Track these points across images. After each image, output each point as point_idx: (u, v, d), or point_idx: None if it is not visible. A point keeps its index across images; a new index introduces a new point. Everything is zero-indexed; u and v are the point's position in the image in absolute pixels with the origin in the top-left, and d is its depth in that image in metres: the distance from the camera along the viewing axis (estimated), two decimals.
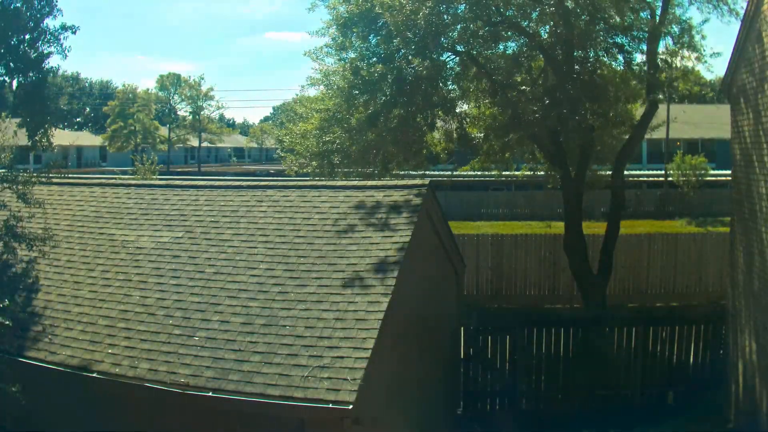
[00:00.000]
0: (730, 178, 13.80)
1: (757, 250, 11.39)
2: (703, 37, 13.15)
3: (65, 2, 9.35)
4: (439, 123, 15.55)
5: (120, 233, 10.24)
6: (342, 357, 7.24)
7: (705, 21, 13.57)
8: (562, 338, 13.72)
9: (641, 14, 13.52)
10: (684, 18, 13.52)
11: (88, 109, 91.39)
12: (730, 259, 13.21)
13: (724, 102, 17.17)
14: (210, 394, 7.06)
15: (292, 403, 6.83)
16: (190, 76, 71.97)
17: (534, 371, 13.79)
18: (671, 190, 37.02)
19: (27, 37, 9.13)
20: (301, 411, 6.83)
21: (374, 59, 13.36)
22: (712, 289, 19.28)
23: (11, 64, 9.16)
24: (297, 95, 46.16)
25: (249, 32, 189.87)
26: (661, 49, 13.81)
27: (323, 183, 12.06)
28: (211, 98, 70.66)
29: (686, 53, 13.32)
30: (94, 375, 7.57)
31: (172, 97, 71.14)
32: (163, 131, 68.91)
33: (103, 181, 12.75)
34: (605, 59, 14.43)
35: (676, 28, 13.29)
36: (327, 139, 14.90)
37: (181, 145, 73.76)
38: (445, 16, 12.93)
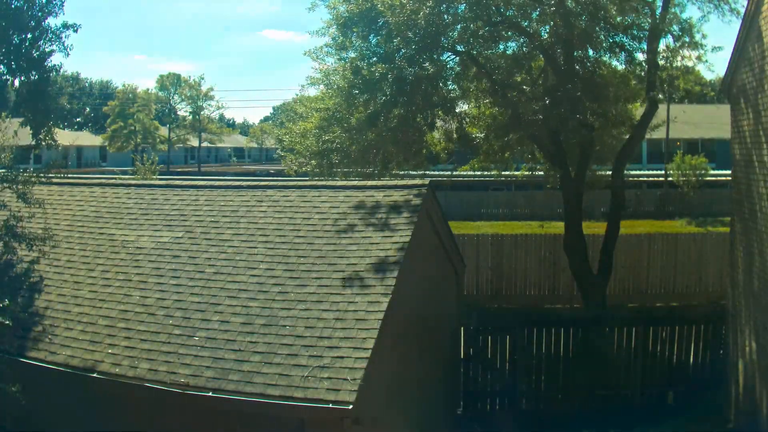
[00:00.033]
0: (730, 178, 13.80)
1: (757, 250, 11.39)
2: (704, 36, 13.15)
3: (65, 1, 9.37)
4: (439, 123, 15.55)
5: (120, 233, 10.25)
6: (342, 357, 7.24)
7: (703, 17, 13.44)
8: (562, 338, 13.72)
9: (642, 12, 13.50)
10: (684, 18, 13.53)
11: (88, 109, 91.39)
12: (730, 259, 13.21)
13: (724, 102, 17.17)
14: (210, 394, 7.07)
15: (292, 403, 6.83)
16: (189, 76, 72.20)
17: (534, 371, 13.79)
18: (671, 190, 37.02)
19: (29, 36, 9.13)
20: (301, 411, 6.83)
21: (374, 59, 13.36)
22: (712, 289, 19.27)
23: (13, 64, 9.16)
24: (297, 95, 46.14)
25: (246, 30, 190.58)
26: (661, 47, 13.82)
27: (323, 183, 12.07)
28: (211, 98, 70.80)
29: (687, 52, 13.32)
30: (94, 375, 7.57)
31: (172, 97, 71.18)
32: (163, 131, 68.92)
33: (103, 181, 12.75)
34: (606, 58, 14.44)
35: (676, 27, 13.29)
36: (327, 138, 14.90)
37: (181, 145, 73.78)
38: (446, 16, 12.93)
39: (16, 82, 9.56)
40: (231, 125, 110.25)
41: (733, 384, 12.60)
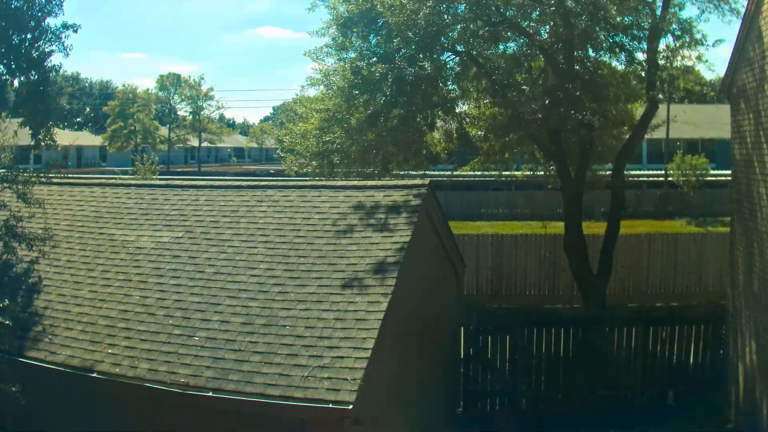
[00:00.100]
0: (730, 178, 13.80)
1: (757, 250, 11.39)
2: (704, 36, 13.14)
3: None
4: (439, 123, 15.55)
5: (120, 233, 10.25)
6: (342, 357, 7.24)
7: (702, 14, 13.42)
8: (562, 338, 13.72)
9: (642, 12, 13.50)
10: (684, 17, 13.52)
11: (88, 109, 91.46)
12: (730, 259, 13.21)
13: (724, 102, 17.18)
14: (210, 394, 7.07)
15: (292, 403, 6.83)
16: (189, 76, 72.20)
17: (534, 371, 13.79)
18: (671, 190, 37.02)
19: (29, 36, 9.14)
20: (301, 411, 6.83)
21: (374, 59, 13.36)
22: (712, 289, 19.27)
23: (13, 64, 9.17)
24: (297, 95, 46.22)
25: (242, 29, 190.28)
26: (661, 47, 13.82)
27: (323, 183, 12.07)
28: (211, 98, 70.79)
29: (687, 52, 13.31)
30: (94, 375, 7.57)
31: (172, 97, 71.19)
32: (163, 131, 68.93)
33: (103, 181, 12.75)
34: (606, 58, 14.44)
35: (676, 27, 13.29)
36: (327, 139, 14.91)
37: (181, 145, 73.79)
38: (446, 16, 12.93)
39: (16, 82, 9.58)
40: (231, 125, 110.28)
41: (733, 384, 12.60)
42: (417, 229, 9.39)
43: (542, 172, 19.11)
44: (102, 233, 10.36)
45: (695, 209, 34.39)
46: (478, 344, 13.78)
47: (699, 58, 13.33)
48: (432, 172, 28.93)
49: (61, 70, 9.77)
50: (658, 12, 13.47)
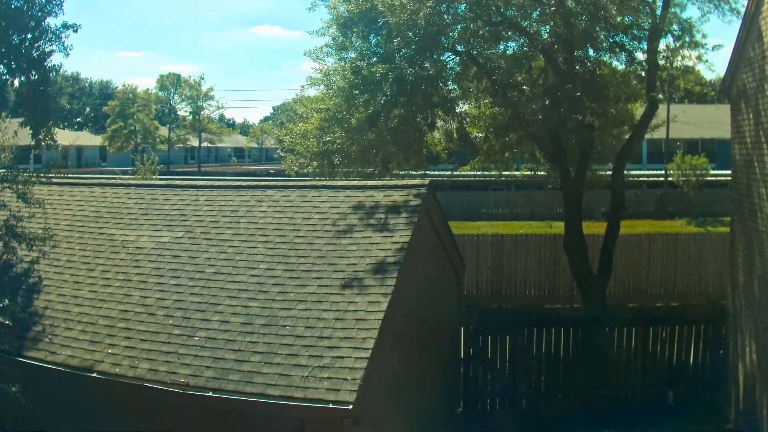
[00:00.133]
0: (730, 178, 13.80)
1: (757, 250, 11.39)
2: (704, 36, 13.15)
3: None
4: (439, 123, 15.55)
5: (120, 233, 10.25)
6: (342, 357, 7.24)
7: (703, 15, 13.44)
8: (562, 338, 13.71)
9: (642, 12, 13.50)
10: (684, 17, 13.52)
11: (88, 109, 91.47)
12: (730, 259, 13.21)
13: (724, 102, 17.17)
14: (210, 394, 7.07)
15: (292, 403, 6.83)
16: (189, 76, 72.20)
17: (534, 371, 13.79)
18: (671, 190, 37.02)
19: (29, 36, 9.14)
20: (301, 411, 6.83)
21: (374, 59, 13.36)
22: (712, 289, 19.28)
23: (13, 64, 9.17)
24: (297, 95, 46.21)
25: (241, 27, 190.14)
26: (661, 47, 13.83)
27: (323, 183, 12.06)
28: (211, 98, 70.79)
29: (687, 52, 13.31)
30: (94, 375, 7.57)
31: (172, 97, 71.20)
32: (163, 131, 68.93)
33: (103, 181, 12.75)
34: (606, 58, 14.44)
35: (676, 27, 13.30)
36: (327, 139, 14.90)
37: (181, 145, 73.79)
38: (446, 16, 12.93)
39: (16, 82, 9.59)
40: (231, 125, 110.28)
41: (733, 384, 12.60)
42: (417, 229, 9.39)
43: (542, 172, 19.12)
44: (102, 233, 10.36)
45: (695, 209, 34.39)
46: (478, 344, 13.77)
47: (699, 58, 13.34)
48: (432, 172, 28.89)
49: (61, 70, 9.78)
50: (658, 12, 13.48)
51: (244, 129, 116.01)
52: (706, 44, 13.02)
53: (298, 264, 8.87)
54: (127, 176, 23.21)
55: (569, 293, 18.72)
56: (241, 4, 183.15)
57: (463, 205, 34.34)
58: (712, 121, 48.40)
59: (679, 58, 13.56)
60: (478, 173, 23.29)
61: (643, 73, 14.52)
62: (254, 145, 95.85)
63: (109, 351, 7.84)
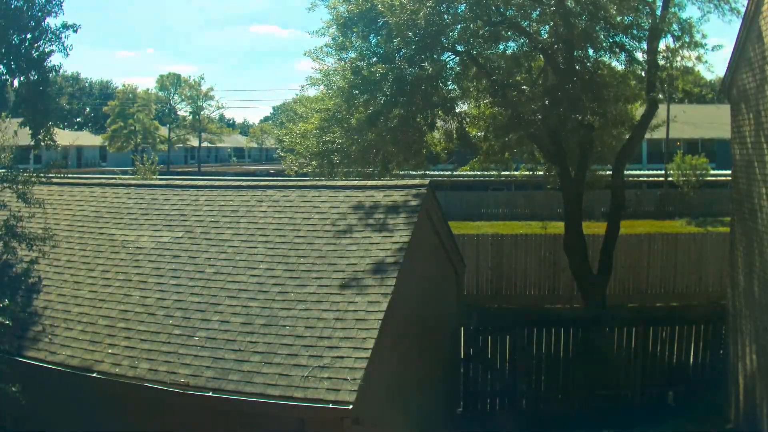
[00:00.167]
0: (730, 178, 13.80)
1: (757, 250, 11.39)
2: (704, 36, 13.14)
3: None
4: (439, 123, 15.55)
5: (120, 233, 10.25)
6: (342, 357, 7.24)
7: (703, 16, 13.45)
8: (562, 338, 13.72)
9: (642, 12, 13.50)
10: (684, 17, 13.52)
11: (88, 109, 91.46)
12: (730, 259, 13.21)
13: (724, 102, 17.18)
14: (210, 394, 7.06)
15: (292, 403, 6.83)
16: (189, 76, 72.22)
17: (534, 371, 13.79)
18: (671, 190, 37.02)
19: (28, 36, 9.14)
20: (301, 411, 6.83)
21: (374, 59, 13.37)
22: (712, 289, 19.28)
23: (12, 64, 9.17)
24: (297, 95, 46.22)
25: (240, 26, 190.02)
26: (661, 47, 13.82)
27: (323, 183, 12.07)
28: (211, 98, 70.82)
29: (687, 52, 13.31)
30: (94, 375, 7.57)
31: (172, 97, 71.22)
32: (163, 131, 68.94)
33: (103, 181, 12.75)
34: (606, 58, 14.44)
35: (676, 27, 13.29)
36: (327, 139, 14.90)
37: (181, 145, 73.80)
38: (446, 16, 12.93)
39: (16, 82, 9.58)
40: (231, 125, 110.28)
41: (733, 384, 12.60)
42: (417, 229, 9.39)
43: (542, 172, 19.12)
44: (102, 233, 10.36)
45: (695, 209, 34.39)
46: (478, 344, 13.77)
47: (699, 58, 13.32)
48: (432, 172, 28.94)
49: (61, 70, 9.78)
50: (658, 12, 13.47)
51: (244, 129, 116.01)
52: (705, 44, 13.02)
53: (298, 264, 8.87)
54: (127, 176, 23.22)
55: (569, 293, 18.72)
56: (241, 4, 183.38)
57: (463, 205, 34.34)
58: (712, 121, 48.40)
59: (679, 58, 13.55)
60: (478, 173, 23.29)
61: (642, 74, 14.52)
62: (254, 145, 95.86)
63: (109, 351, 7.84)
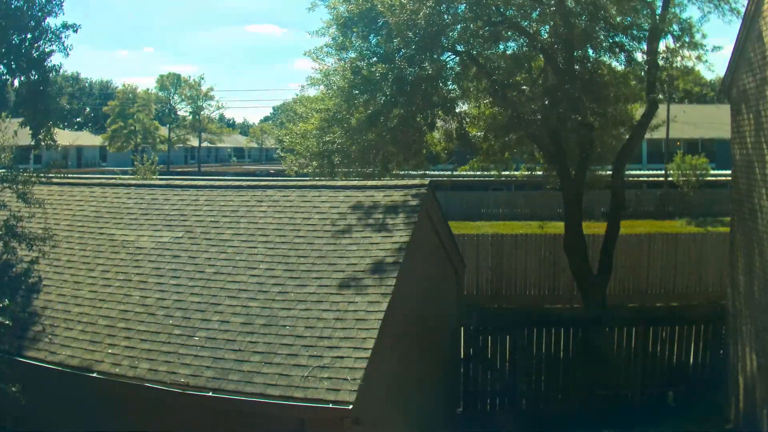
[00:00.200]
0: (730, 178, 13.80)
1: (757, 251, 11.39)
2: (704, 36, 13.15)
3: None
4: (439, 123, 15.55)
5: (120, 233, 10.25)
6: (342, 357, 7.24)
7: (704, 17, 13.46)
8: (562, 338, 13.72)
9: (642, 12, 13.50)
10: (684, 18, 13.53)
11: (88, 109, 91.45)
12: (730, 259, 13.22)
13: (724, 102, 17.18)
14: (210, 394, 7.07)
15: (292, 403, 6.83)
16: (189, 76, 72.21)
17: (534, 371, 13.79)
18: (671, 190, 37.03)
19: (29, 36, 9.14)
20: (301, 411, 6.83)
21: (374, 59, 13.36)
22: (712, 289, 19.28)
23: (13, 64, 9.17)
24: (297, 95, 46.23)
25: (239, 26, 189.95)
26: (661, 47, 13.83)
27: (323, 183, 12.07)
28: (211, 98, 70.77)
29: (687, 53, 13.32)
30: (94, 375, 7.57)
31: (172, 97, 71.19)
32: (163, 131, 68.93)
33: (103, 181, 12.75)
34: (606, 58, 14.45)
35: (676, 27, 13.30)
36: (327, 139, 14.89)
37: (181, 145, 73.79)
38: (446, 16, 12.93)
39: (16, 82, 9.58)
40: (231, 125, 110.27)
41: (733, 384, 12.60)
42: (417, 229, 9.39)
43: (542, 172, 19.11)
44: (102, 233, 10.36)
45: (695, 209, 34.40)
46: (478, 344, 13.78)
47: (699, 58, 13.33)
48: (432, 172, 28.94)
49: (61, 70, 9.78)
50: (658, 12, 13.48)
51: (244, 129, 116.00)
52: (705, 45, 13.04)
53: (298, 264, 8.87)
54: (127, 176, 23.21)
55: (569, 293, 18.73)
56: (241, 4, 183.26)
57: (463, 205, 34.35)
58: (712, 121, 48.40)
59: (679, 58, 13.58)
60: (478, 173, 23.30)
61: (642, 74, 14.53)
62: (254, 145, 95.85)
63: (109, 351, 7.84)
